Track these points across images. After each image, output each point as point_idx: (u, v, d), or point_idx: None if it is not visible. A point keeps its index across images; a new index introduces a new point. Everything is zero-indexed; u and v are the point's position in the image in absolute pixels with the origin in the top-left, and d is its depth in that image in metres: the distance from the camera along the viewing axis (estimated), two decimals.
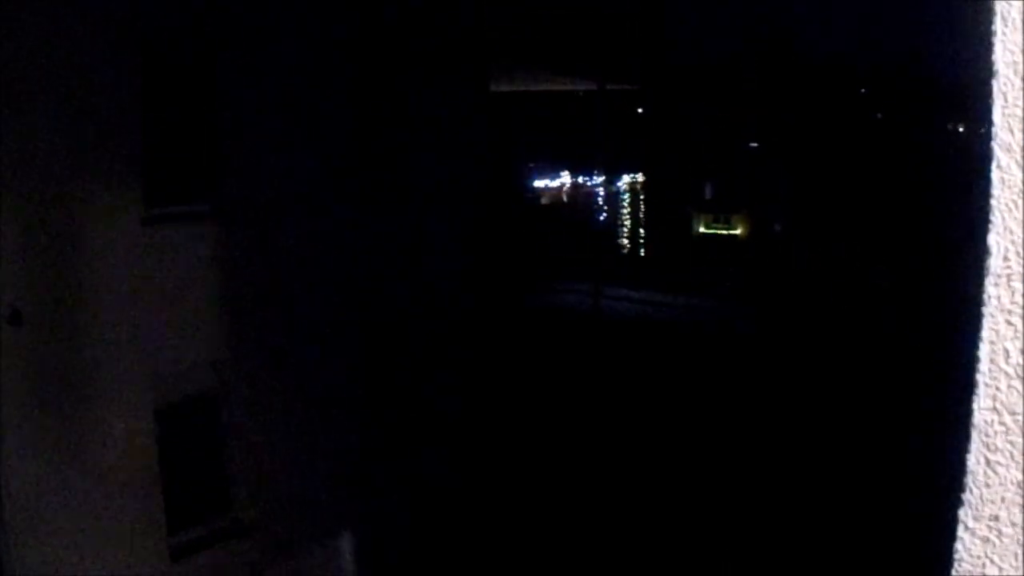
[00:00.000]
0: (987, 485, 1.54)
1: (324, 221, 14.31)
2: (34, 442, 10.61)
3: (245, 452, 13.44)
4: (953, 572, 1.58)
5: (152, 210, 11.94)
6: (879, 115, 45.14)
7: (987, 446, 1.52)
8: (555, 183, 50.44)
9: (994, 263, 1.48)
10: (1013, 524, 1.54)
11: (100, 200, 11.35)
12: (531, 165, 46.65)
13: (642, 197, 50.02)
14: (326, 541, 14.86)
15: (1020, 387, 1.49)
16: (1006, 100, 1.46)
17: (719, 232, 46.71)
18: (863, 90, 45.14)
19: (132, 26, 11.58)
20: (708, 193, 47.18)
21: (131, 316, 11.74)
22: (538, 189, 49.56)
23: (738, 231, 46.46)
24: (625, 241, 50.61)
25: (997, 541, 1.55)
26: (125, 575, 11.70)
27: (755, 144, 45.80)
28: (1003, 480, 1.53)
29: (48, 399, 10.89)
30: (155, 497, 12.15)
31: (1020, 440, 1.51)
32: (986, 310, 1.49)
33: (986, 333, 1.49)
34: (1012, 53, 1.46)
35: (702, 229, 47.14)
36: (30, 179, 10.50)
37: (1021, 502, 1.53)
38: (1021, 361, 1.49)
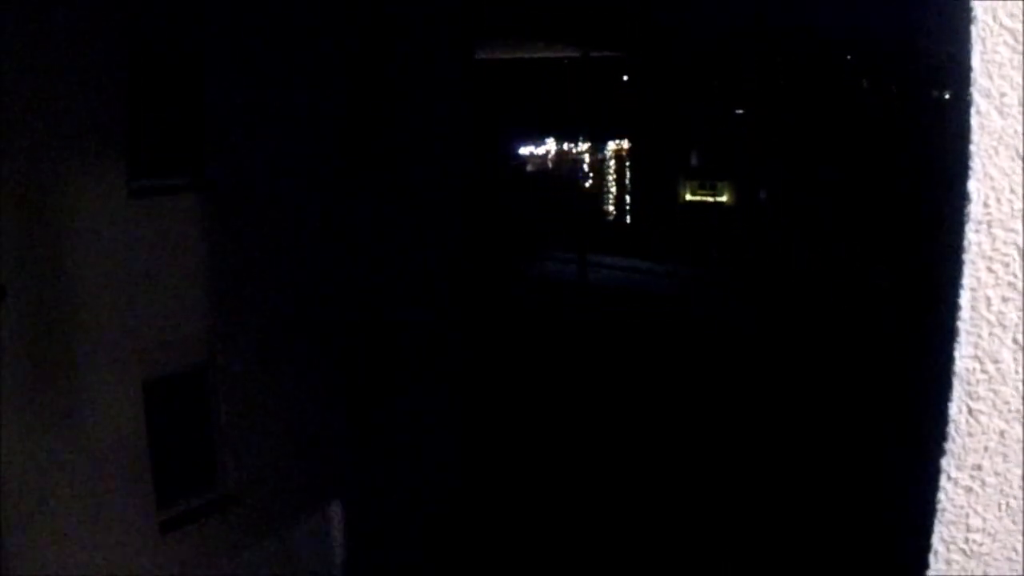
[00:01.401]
0: (969, 434, 1.53)
1: (311, 193, 14.27)
2: (21, 417, 10.58)
3: (233, 426, 13.44)
4: (936, 522, 1.57)
5: (138, 182, 11.89)
6: (864, 82, 45.08)
7: (969, 395, 1.51)
8: (540, 151, 50.33)
9: (974, 209, 1.47)
10: (996, 473, 1.53)
11: (85, 173, 11.28)
12: (516, 132, 46.52)
13: (628, 164, 49.92)
14: (314, 515, 14.88)
15: (1001, 334, 1.48)
16: (984, 46, 1.45)
17: (705, 199, 46.63)
18: (848, 56, 45.06)
19: (120, 2, 11.51)
20: (694, 160, 47.08)
21: (118, 289, 11.71)
22: (523, 156, 49.45)
23: (724, 198, 46.39)
24: (611, 208, 50.56)
25: (980, 491, 1.54)
26: (114, 549, 11.71)
27: (741, 111, 45.69)
28: (985, 429, 1.52)
29: (35, 374, 10.86)
30: (143, 471, 12.15)
31: (1003, 388, 1.50)
32: (967, 257, 1.48)
33: (967, 280, 1.48)
34: None
35: (688, 196, 47.06)
36: (13, 153, 10.44)
37: (1004, 451, 1.52)
38: (1002, 308, 1.48)
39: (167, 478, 12.54)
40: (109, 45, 11.36)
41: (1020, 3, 1.44)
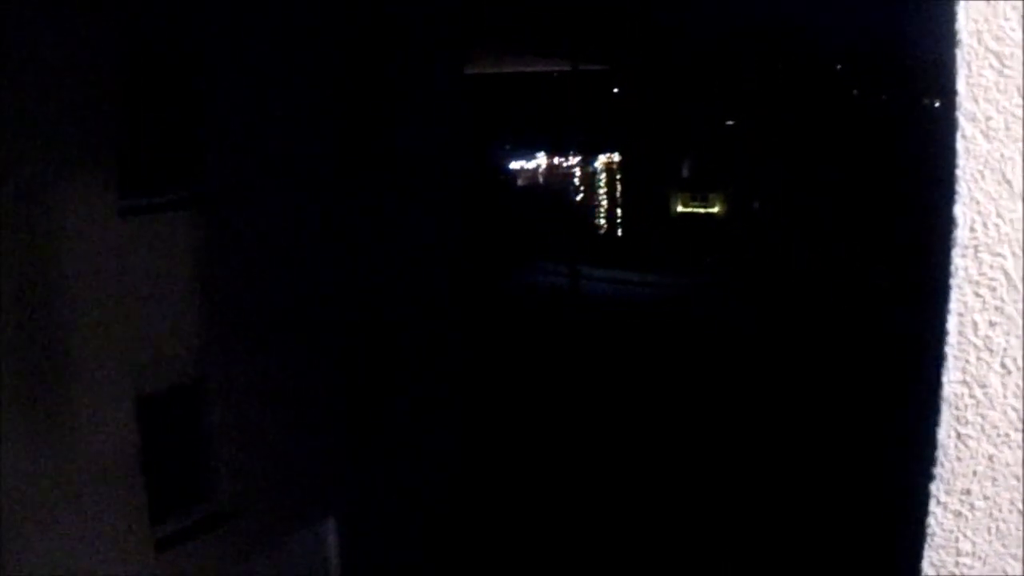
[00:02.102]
0: (958, 459, 1.53)
1: (304, 207, 14.27)
2: (14, 434, 10.55)
3: (228, 441, 13.41)
4: (926, 547, 1.57)
5: (129, 200, 11.87)
6: (855, 91, 45.18)
7: (958, 419, 1.51)
8: (531, 164, 50.37)
9: (961, 234, 1.47)
10: (985, 498, 1.53)
11: (77, 187, 11.26)
12: (507, 147, 46.57)
13: (618, 177, 49.96)
14: (309, 529, 14.85)
15: (989, 359, 1.48)
16: (970, 69, 1.45)
17: (697, 211, 46.68)
18: (839, 66, 45.17)
19: (114, 14, 11.49)
20: (685, 172, 47.13)
21: (111, 305, 11.69)
22: (514, 171, 49.48)
23: (716, 209, 46.45)
24: (602, 221, 50.59)
25: (969, 515, 1.54)
26: (108, 566, 11.68)
27: (731, 122, 45.78)
28: (974, 453, 1.52)
29: (27, 392, 10.83)
30: (138, 488, 12.11)
31: (991, 413, 1.50)
32: (954, 282, 1.48)
33: (954, 305, 1.49)
34: (975, 22, 1.45)
35: (680, 208, 47.09)
36: (3, 168, 10.42)
37: (993, 475, 1.52)
38: (990, 333, 1.48)
39: (161, 494, 12.51)
40: (101, 54, 11.34)
41: (1006, 26, 1.44)
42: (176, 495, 12.90)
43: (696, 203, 46.86)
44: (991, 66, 1.45)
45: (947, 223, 1.48)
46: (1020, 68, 1.44)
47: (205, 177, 12.91)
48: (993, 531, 1.54)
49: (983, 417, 1.50)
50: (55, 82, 10.84)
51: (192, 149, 12.77)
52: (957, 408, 1.51)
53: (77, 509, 11.32)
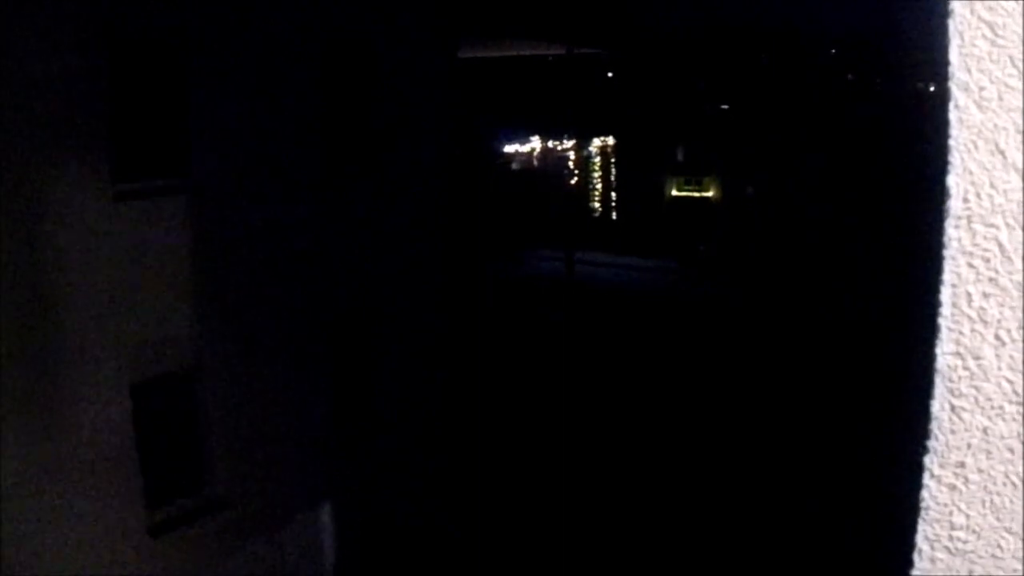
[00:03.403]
0: (952, 431, 1.52)
1: (294, 194, 14.24)
2: (7, 421, 10.54)
3: (222, 428, 13.41)
4: (920, 520, 1.56)
5: (122, 184, 11.84)
6: (850, 75, 45.16)
7: (951, 392, 1.50)
8: (525, 148, 50.33)
9: (954, 204, 1.46)
10: (980, 470, 1.52)
11: (68, 175, 11.23)
12: (501, 131, 46.53)
13: (613, 161, 49.99)
14: (304, 516, 14.85)
15: (983, 330, 1.48)
16: (962, 39, 1.44)
17: (691, 195, 46.68)
18: (833, 50, 45.16)
19: (104, 3, 11.46)
20: (680, 156, 47.11)
21: (104, 292, 11.67)
22: (508, 154, 49.45)
23: (710, 193, 46.46)
24: (596, 205, 50.61)
25: (964, 488, 1.54)
26: (103, 552, 11.68)
27: (726, 106, 45.75)
28: (968, 426, 1.51)
29: (21, 379, 10.82)
30: (132, 474, 12.12)
31: (985, 385, 1.49)
32: (947, 252, 1.47)
33: (947, 276, 1.47)
34: None
35: (674, 192, 47.10)
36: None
37: (987, 448, 1.51)
38: (984, 304, 1.47)
39: (156, 481, 12.52)
40: (89, 41, 11.30)
41: None
42: (171, 481, 12.91)
43: (690, 187, 46.86)
44: (984, 36, 1.44)
45: (940, 194, 1.47)
46: (1013, 38, 1.42)
47: (196, 164, 12.89)
48: (987, 504, 1.53)
49: (977, 389, 1.50)
50: (47, 70, 10.80)
51: (182, 136, 12.75)
52: (951, 380, 1.50)
53: (72, 495, 11.32)
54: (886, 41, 38.27)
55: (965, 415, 1.51)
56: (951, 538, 1.56)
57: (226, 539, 13.52)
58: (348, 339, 15.39)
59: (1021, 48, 1.42)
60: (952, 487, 1.54)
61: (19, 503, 10.69)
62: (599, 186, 50.64)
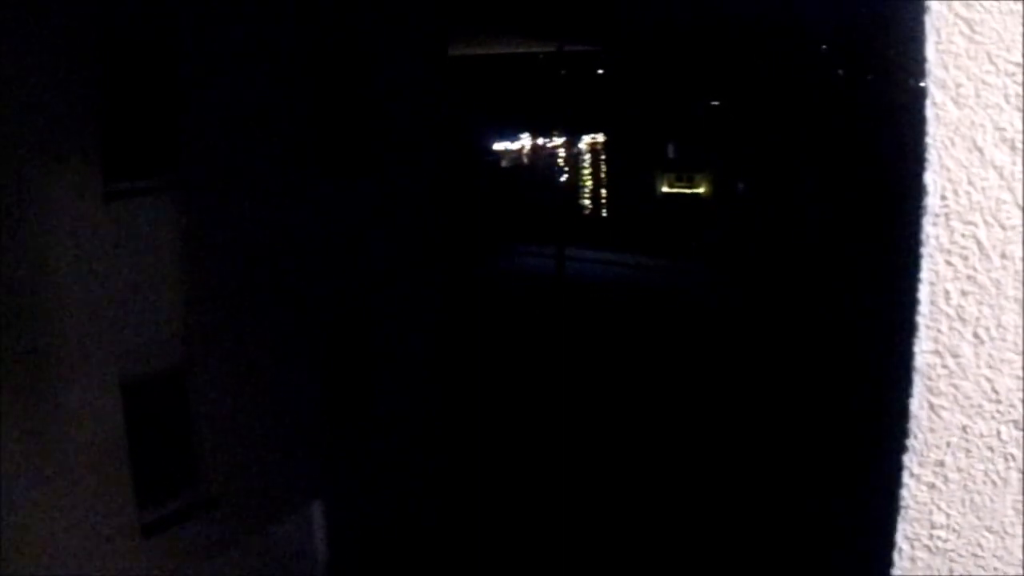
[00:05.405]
0: (931, 430, 1.52)
1: (287, 191, 14.23)
2: None
3: (213, 427, 13.39)
4: (900, 519, 1.56)
5: (113, 184, 11.82)
6: (840, 71, 45.23)
7: (930, 390, 1.50)
8: (515, 145, 50.33)
9: (931, 202, 1.45)
10: (959, 469, 1.52)
11: (60, 174, 11.20)
12: (491, 128, 46.54)
13: (603, 157, 50.02)
14: (296, 515, 14.85)
15: (961, 328, 1.47)
16: (939, 36, 1.44)
17: (682, 191, 46.74)
18: (824, 47, 45.22)
19: (94, 1, 11.44)
20: (671, 152, 47.17)
21: (95, 291, 11.64)
22: (498, 152, 49.45)
23: (701, 190, 46.52)
24: (587, 202, 50.62)
25: (943, 487, 1.53)
26: (94, 552, 11.66)
27: (717, 103, 45.82)
28: (947, 424, 1.51)
29: (12, 376, 10.79)
30: (123, 474, 12.09)
31: (963, 383, 1.49)
32: (925, 250, 1.46)
33: (925, 274, 1.47)
34: None
35: (665, 188, 47.15)
36: None
37: (966, 447, 1.51)
38: (962, 302, 1.47)
39: (148, 480, 12.49)
40: (79, 40, 11.27)
41: None
42: (163, 481, 12.88)
43: (681, 184, 46.93)
44: (961, 33, 1.43)
45: (918, 191, 1.46)
46: (991, 35, 1.42)
47: (187, 162, 12.87)
48: (967, 503, 1.53)
49: (956, 387, 1.49)
50: (38, 70, 10.77)
51: (172, 134, 12.72)
52: (929, 379, 1.50)
53: (63, 494, 11.29)
54: (876, 38, 38.35)
55: (944, 413, 1.51)
56: (931, 537, 1.55)
57: (219, 537, 13.49)
58: (340, 337, 15.37)
59: (998, 45, 1.42)
60: (932, 486, 1.53)
61: (9, 502, 10.66)
62: (590, 183, 50.65)
